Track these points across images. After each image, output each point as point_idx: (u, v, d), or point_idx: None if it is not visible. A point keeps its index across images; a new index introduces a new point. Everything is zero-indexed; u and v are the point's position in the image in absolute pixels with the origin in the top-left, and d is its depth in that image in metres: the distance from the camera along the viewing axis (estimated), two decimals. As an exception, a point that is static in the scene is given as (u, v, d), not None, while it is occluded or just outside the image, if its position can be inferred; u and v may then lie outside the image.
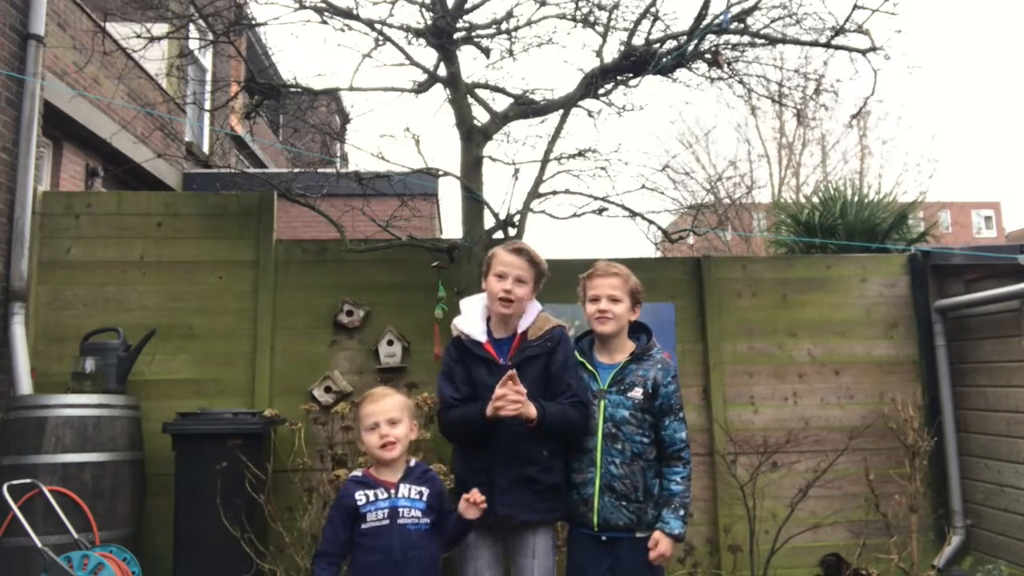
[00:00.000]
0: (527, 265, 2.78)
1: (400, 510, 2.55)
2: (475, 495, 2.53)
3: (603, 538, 2.73)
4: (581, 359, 2.89)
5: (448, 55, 4.68)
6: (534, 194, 4.65)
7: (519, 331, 2.80)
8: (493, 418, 2.58)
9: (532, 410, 2.59)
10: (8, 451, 3.87)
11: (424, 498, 2.60)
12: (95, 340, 4.34)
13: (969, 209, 47.54)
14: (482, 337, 2.78)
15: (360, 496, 2.56)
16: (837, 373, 5.06)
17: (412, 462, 2.71)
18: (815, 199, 7.79)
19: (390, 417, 2.62)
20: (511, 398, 2.55)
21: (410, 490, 2.59)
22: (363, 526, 2.53)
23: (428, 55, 5.62)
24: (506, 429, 2.65)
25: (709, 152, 20.37)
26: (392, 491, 2.58)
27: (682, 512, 2.74)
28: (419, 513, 2.57)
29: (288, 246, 4.84)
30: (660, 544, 2.71)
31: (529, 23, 4.93)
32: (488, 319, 2.86)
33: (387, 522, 2.53)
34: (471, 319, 2.83)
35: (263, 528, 4.02)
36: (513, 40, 5.00)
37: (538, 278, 2.84)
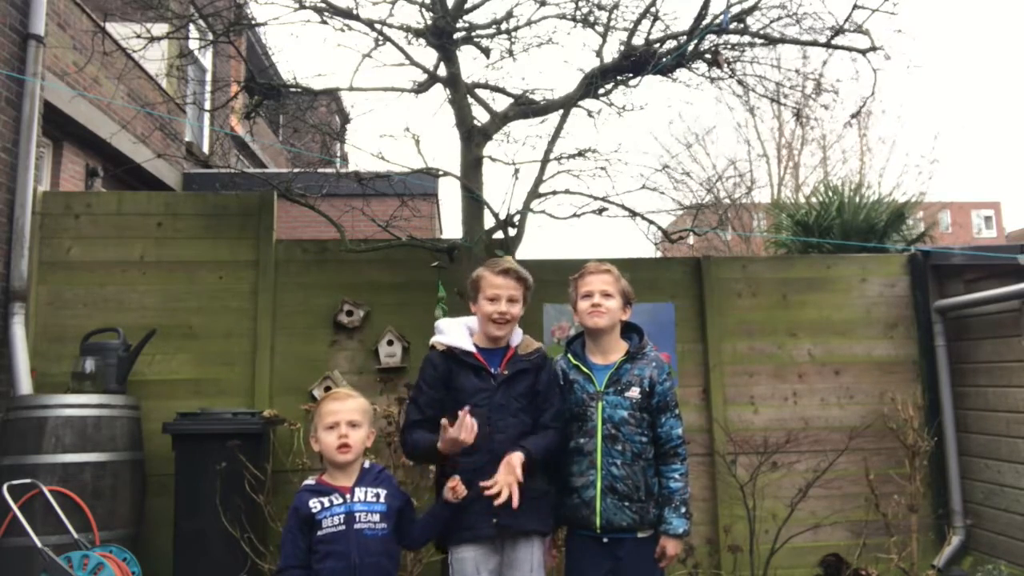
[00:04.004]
0: (516, 284, 2.80)
1: (356, 515, 2.48)
2: (457, 485, 2.54)
3: (605, 540, 2.72)
4: (575, 361, 2.88)
5: (448, 55, 4.68)
6: (534, 194, 4.65)
7: (511, 344, 2.83)
8: (444, 452, 2.57)
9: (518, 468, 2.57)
10: (8, 451, 3.87)
11: (382, 499, 2.54)
12: (95, 340, 4.34)
13: (969, 209, 47.51)
14: (470, 347, 2.78)
15: (315, 503, 2.48)
16: (837, 373, 5.06)
17: (367, 464, 2.65)
18: (813, 199, 7.80)
19: (351, 419, 2.57)
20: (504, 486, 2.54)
21: (366, 493, 2.54)
22: (319, 533, 2.45)
23: (428, 55, 5.63)
24: (495, 440, 2.64)
25: (709, 153, 20.37)
26: (347, 496, 2.51)
27: (683, 509, 2.74)
28: (377, 517, 2.51)
29: (288, 246, 4.84)
30: (667, 548, 2.73)
31: (529, 23, 4.94)
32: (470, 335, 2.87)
33: (343, 528, 2.46)
34: (456, 334, 2.82)
35: (263, 528, 4.02)
36: (513, 40, 5.02)
37: (526, 294, 2.86)
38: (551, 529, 2.82)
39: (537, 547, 2.71)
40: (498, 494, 2.52)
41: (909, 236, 7.15)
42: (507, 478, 2.53)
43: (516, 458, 2.57)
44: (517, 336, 2.87)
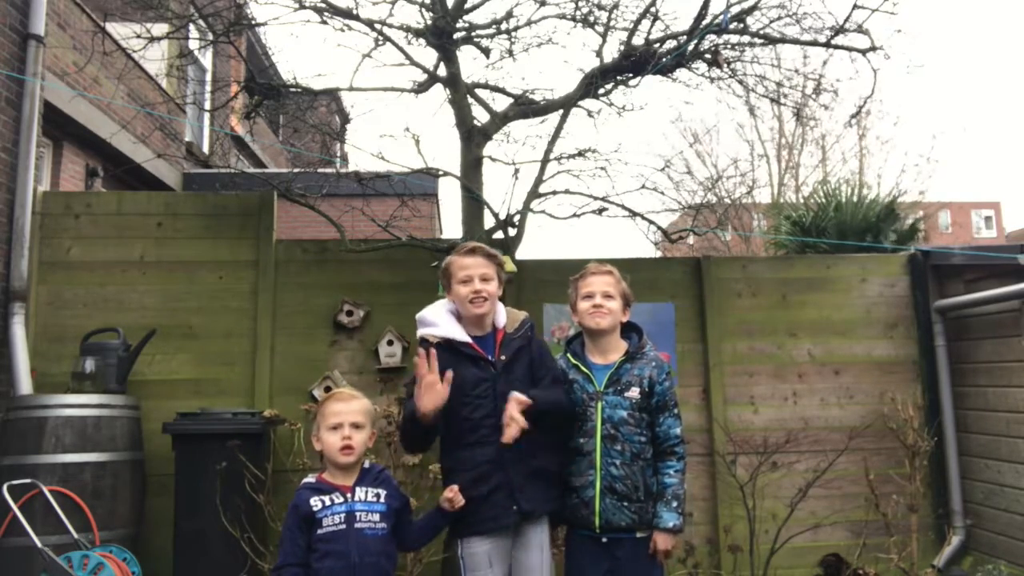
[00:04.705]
0: (486, 262, 2.76)
1: (357, 514, 2.49)
2: (455, 496, 2.53)
3: (604, 539, 2.72)
4: (575, 361, 2.88)
5: (448, 55, 4.69)
6: (534, 194, 4.65)
7: (499, 327, 2.80)
8: (424, 415, 2.53)
9: (520, 419, 2.56)
10: (8, 451, 3.87)
11: (382, 499, 2.54)
12: (95, 340, 4.34)
13: (969, 209, 47.53)
14: (466, 337, 2.73)
15: (315, 502, 2.48)
16: (837, 373, 5.06)
17: (367, 464, 2.65)
18: (812, 200, 7.83)
19: (355, 421, 2.55)
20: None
21: (367, 493, 2.54)
22: (319, 531, 2.45)
23: (428, 55, 5.63)
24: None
25: (712, 152, 20.36)
26: (348, 495, 2.51)
27: (675, 504, 2.73)
28: (377, 517, 2.51)
29: (288, 246, 4.84)
30: (657, 542, 2.72)
31: (529, 23, 4.95)
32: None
33: (344, 527, 2.45)
34: (448, 324, 2.76)
35: (263, 528, 4.02)
36: (513, 40, 5.02)
37: (499, 272, 2.82)
38: (560, 506, 2.79)
39: (544, 527, 2.72)
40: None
41: (901, 230, 7.15)
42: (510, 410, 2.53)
43: (517, 396, 2.57)
44: (501, 316, 2.83)
